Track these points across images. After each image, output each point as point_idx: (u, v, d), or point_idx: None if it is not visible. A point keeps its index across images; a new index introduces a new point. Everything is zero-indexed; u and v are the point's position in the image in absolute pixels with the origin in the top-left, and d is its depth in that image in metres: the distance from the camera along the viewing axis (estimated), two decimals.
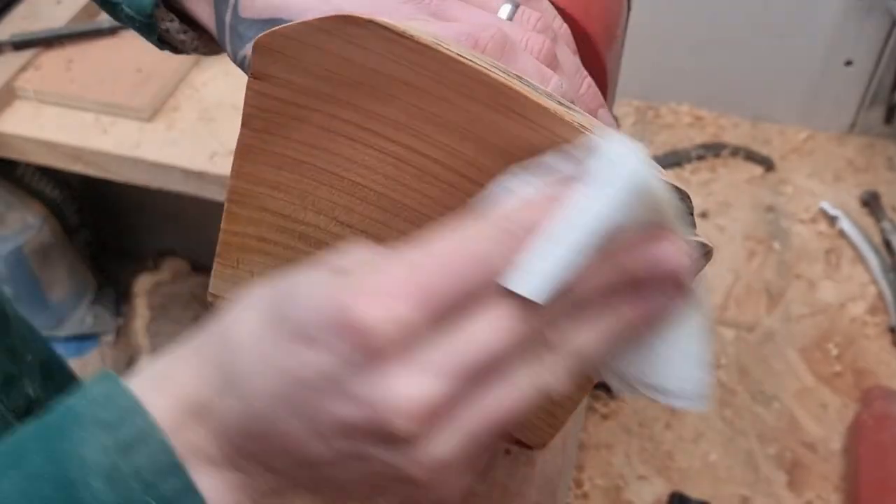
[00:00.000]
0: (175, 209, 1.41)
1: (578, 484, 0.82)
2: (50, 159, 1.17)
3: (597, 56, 0.53)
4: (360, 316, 0.30)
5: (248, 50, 0.45)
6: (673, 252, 0.36)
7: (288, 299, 0.33)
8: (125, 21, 0.54)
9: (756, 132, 1.18)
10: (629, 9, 0.62)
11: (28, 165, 1.32)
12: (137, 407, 0.34)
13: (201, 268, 1.58)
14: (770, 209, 1.08)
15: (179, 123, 1.16)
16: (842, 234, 1.04)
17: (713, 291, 0.99)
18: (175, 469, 0.34)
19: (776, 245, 1.04)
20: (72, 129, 1.16)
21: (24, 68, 1.21)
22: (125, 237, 1.61)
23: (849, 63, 1.13)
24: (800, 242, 1.04)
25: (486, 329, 0.32)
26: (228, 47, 0.47)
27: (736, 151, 1.14)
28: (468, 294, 0.32)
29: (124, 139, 1.14)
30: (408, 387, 0.31)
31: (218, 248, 0.47)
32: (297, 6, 0.44)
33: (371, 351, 0.30)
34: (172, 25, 0.53)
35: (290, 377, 0.32)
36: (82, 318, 1.45)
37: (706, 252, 0.39)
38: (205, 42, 0.54)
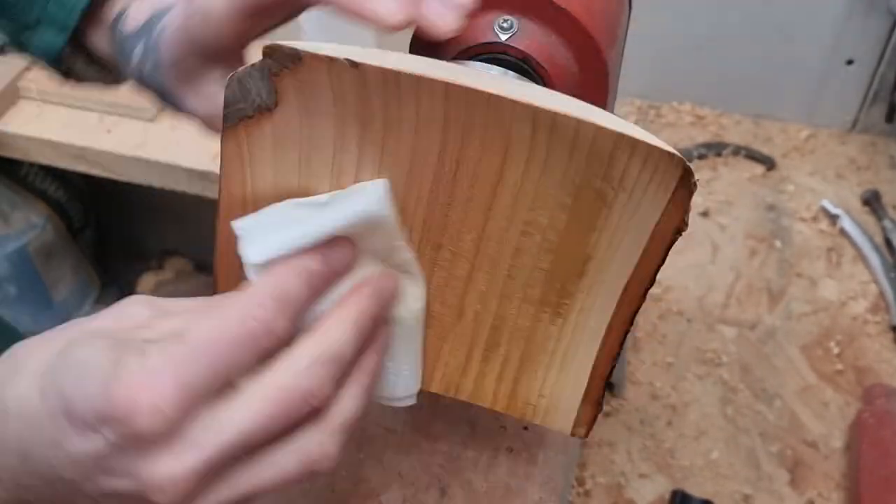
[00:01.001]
0: (179, 209, 1.41)
1: (580, 482, 0.82)
2: (54, 159, 1.18)
3: (598, 55, 0.54)
4: (124, 408, 0.34)
5: (134, 63, 0.50)
6: (382, 284, 0.42)
7: (67, 377, 0.36)
8: (35, 58, 0.57)
9: (758, 130, 1.18)
10: (630, 8, 0.62)
11: (32, 165, 1.32)
12: None
13: (205, 267, 1.59)
14: (771, 208, 1.08)
15: (183, 123, 1.16)
16: (843, 232, 1.04)
17: (714, 290, 0.99)
18: None
19: (777, 243, 1.04)
20: (76, 129, 1.16)
21: (27, 68, 1.22)
22: (129, 237, 1.61)
23: (850, 62, 1.13)
24: (801, 241, 1.04)
25: (242, 412, 0.36)
26: (124, 68, 0.52)
27: (737, 150, 1.15)
28: (224, 379, 0.36)
29: (128, 139, 1.15)
30: (165, 469, 0.35)
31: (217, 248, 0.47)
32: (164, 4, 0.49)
33: (134, 437, 0.34)
34: (78, 61, 0.56)
35: (63, 451, 0.36)
36: (86, 317, 1.45)
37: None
38: (104, 74, 0.58)
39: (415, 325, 0.46)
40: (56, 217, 1.39)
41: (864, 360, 0.92)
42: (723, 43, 1.15)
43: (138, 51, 0.49)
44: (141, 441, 0.34)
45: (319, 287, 0.40)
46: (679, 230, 0.39)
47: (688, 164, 0.37)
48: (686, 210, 0.39)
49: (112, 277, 1.55)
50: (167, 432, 0.35)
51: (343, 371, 0.39)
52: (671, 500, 0.81)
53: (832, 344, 0.94)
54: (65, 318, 1.41)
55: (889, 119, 1.13)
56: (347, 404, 0.39)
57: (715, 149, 1.15)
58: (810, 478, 0.83)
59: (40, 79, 1.20)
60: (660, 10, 1.13)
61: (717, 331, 0.95)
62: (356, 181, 0.43)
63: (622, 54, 0.62)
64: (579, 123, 0.37)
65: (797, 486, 0.83)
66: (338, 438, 0.39)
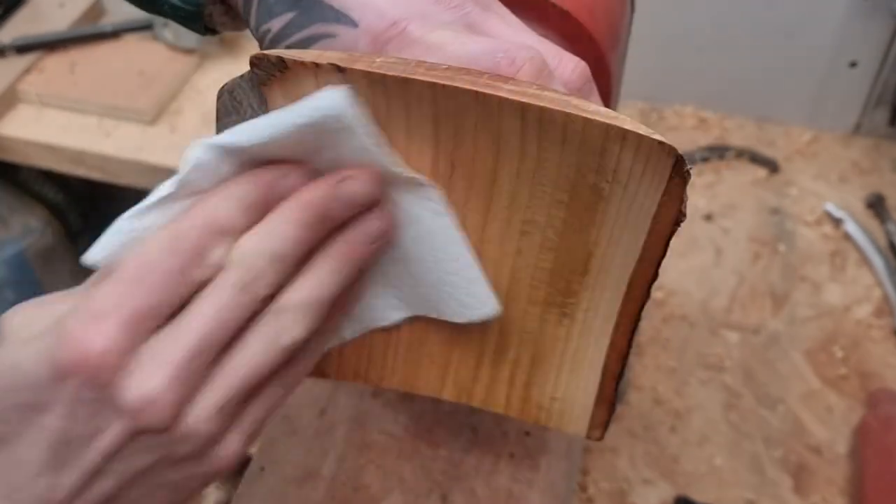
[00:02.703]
0: None
1: (583, 488, 0.82)
2: (53, 162, 1.18)
3: (601, 58, 0.53)
4: (71, 356, 0.34)
5: (272, 24, 0.45)
6: (354, 182, 0.39)
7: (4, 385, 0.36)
8: (167, 13, 0.54)
9: (761, 134, 1.18)
10: (633, 11, 0.62)
11: (31, 169, 1.32)
12: None
13: None
14: (775, 211, 1.07)
15: (182, 126, 1.16)
16: (847, 236, 1.04)
17: (718, 294, 0.99)
18: None
19: (781, 247, 1.03)
20: (74, 133, 1.16)
21: (27, 71, 1.22)
22: None
23: (853, 64, 1.13)
24: (805, 244, 1.04)
25: (202, 312, 0.36)
26: (253, 19, 0.46)
27: (741, 153, 1.14)
28: (165, 297, 0.36)
29: (127, 142, 1.15)
30: (141, 389, 0.35)
31: None
32: None
33: (95, 380, 0.34)
34: (215, 9, 0.53)
35: (41, 449, 0.36)
36: None
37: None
38: (240, 22, 0.53)
39: (451, 233, 0.43)
40: (55, 221, 1.39)
41: (869, 365, 0.92)
42: (726, 46, 1.15)
43: (287, 20, 0.45)
44: (105, 379, 0.34)
45: (255, 211, 0.38)
46: (678, 220, 0.39)
47: (679, 152, 0.36)
48: (682, 199, 0.38)
49: None
50: (128, 357, 0.35)
51: (292, 262, 0.38)
52: None
53: (836, 348, 0.93)
54: None
55: (892, 122, 1.13)
56: (304, 290, 0.38)
57: (718, 152, 1.14)
58: (814, 483, 0.83)
59: (39, 82, 1.19)
60: (662, 12, 1.12)
61: (720, 335, 0.95)
62: None
63: (625, 57, 0.62)
64: (567, 116, 0.36)
65: (801, 492, 0.82)
66: (302, 319, 0.38)
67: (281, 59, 0.38)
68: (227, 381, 0.37)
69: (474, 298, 0.44)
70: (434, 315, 0.46)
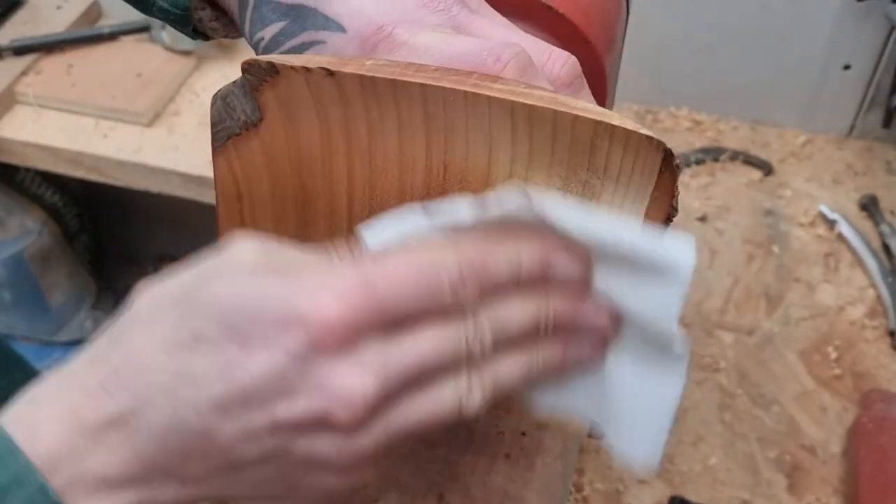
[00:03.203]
0: (175, 214, 1.41)
1: (579, 488, 0.82)
2: (50, 164, 1.18)
3: (596, 61, 0.54)
4: (311, 311, 0.33)
5: (265, 32, 0.46)
6: (596, 312, 0.39)
7: (207, 305, 0.34)
8: (157, 15, 0.54)
9: (755, 136, 1.18)
10: (628, 13, 0.62)
11: (28, 170, 1.32)
12: (10, 448, 0.33)
13: None
14: (769, 213, 1.08)
15: (180, 128, 1.16)
16: (841, 237, 1.04)
17: (712, 295, 0.99)
18: None
19: (775, 249, 1.04)
20: (72, 134, 1.16)
21: (24, 73, 1.22)
22: (125, 242, 1.61)
23: (847, 67, 1.13)
24: (799, 246, 1.04)
25: (424, 342, 0.35)
26: (247, 27, 0.47)
27: (735, 156, 1.15)
28: (412, 309, 0.35)
29: (124, 144, 1.15)
30: (352, 381, 0.33)
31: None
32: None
33: (319, 345, 0.33)
34: (205, 14, 0.53)
35: (230, 386, 0.33)
36: (82, 323, 1.45)
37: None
38: (233, 28, 0.54)
39: (673, 392, 0.42)
40: (52, 222, 1.39)
41: (862, 366, 0.92)
42: (720, 49, 1.15)
43: (278, 28, 0.47)
44: (325, 349, 0.33)
45: (521, 285, 0.38)
46: (669, 216, 0.39)
47: (668, 147, 0.37)
48: (673, 194, 0.38)
49: (108, 283, 1.54)
50: (353, 345, 0.34)
51: (510, 341, 0.38)
52: None
53: (830, 349, 0.94)
54: (61, 323, 1.41)
55: (886, 124, 1.14)
56: (503, 367, 0.38)
57: (712, 154, 1.15)
58: (808, 483, 0.83)
59: (37, 83, 1.20)
60: (657, 15, 1.13)
61: (715, 336, 0.95)
62: (348, 190, 0.43)
63: (620, 59, 0.62)
64: (556, 114, 0.37)
65: (795, 492, 0.83)
66: (487, 390, 0.38)
67: (272, 64, 0.39)
68: (413, 411, 0.36)
69: (645, 449, 0.43)
70: (607, 430, 0.44)
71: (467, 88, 0.37)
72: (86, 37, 1.26)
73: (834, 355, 0.93)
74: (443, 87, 0.37)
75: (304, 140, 0.42)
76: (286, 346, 0.33)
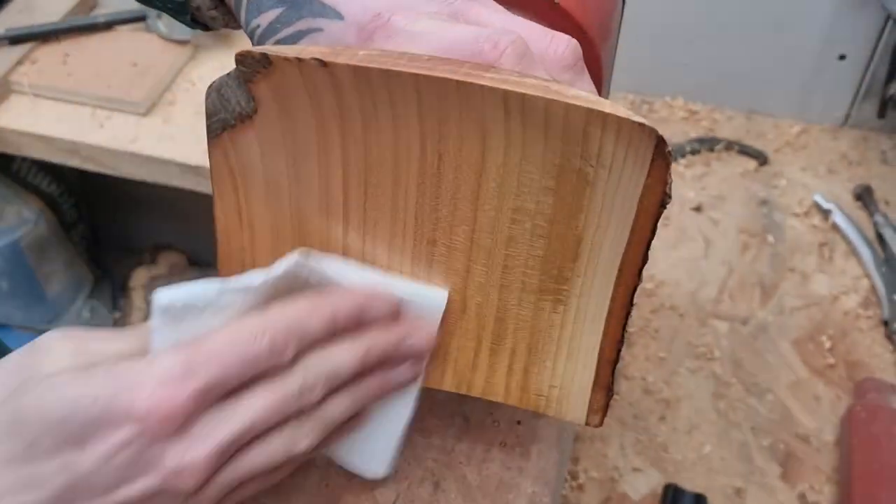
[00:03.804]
0: (172, 203, 1.41)
1: (574, 476, 0.83)
2: (46, 154, 1.18)
3: (592, 50, 0.54)
4: (138, 405, 0.36)
5: (261, 20, 0.45)
6: (418, 340, 0.45)
7: (36, 418, 0.36)
8: (156, 4, 0.54)
9: (750, 125, 1.19)
10: (624, 3, 0.62)
11: (24, 160, 1.32)
12: None
13: (198, 262, 1.58)
14: (764, 203, 1.08)
15: (176, 118, 1.16)
16: (835, 227, 1.05)
17: (707, 285, 0.99)
18: None
19: (770, 238, 1.04)
20: (68, 124, 1.16)
21: (20, 62, 1.21)
22: (122, 231, 1.61)
23: (842, 57, 1.13)
24: (793, 236, 1.04)
25: (253, 405, 0.39)
26: (243, 14, 0.47)
27: (730, 145, 1.15)
28: (234, 381, 0.39)
29: (121, 133, 1.15)
30: (184, 458, 0.38)
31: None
32: None
33: (150, 434, 0.37)
34: (203, 2, 0.53)
35: (72, 476, 0.37)
36: (79, 312, 1.45)
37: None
38: (232, 18, 0.53)
39: (407, 404, 0.48)
40: (49, 212, 1.39)
41: (856, 355, 0.93)
42: (715, 38, 1.15)
43: (274, 16, 0.46)
44: (157, 436, 0.37)
45: (339, 334, 0.43)
46: (663, 203, 0.39)
47: (660, 134, 0.37)
48: (666, 181, 0.38)
49: (105, 272, 1.54)
50: (180, 426, 0.37)
51: (341, 384, 0.43)
52: (664, 494, 0.81)
53: (824, 338, 0.94)
54: (57, 312, 1.41)
55: (881, 114, 1.14)
56: (334, 409, 0.43)
57: (707, 144, 1.15)
58: (802, 471, 0.84)
59: (32, 73, 1.19)
60: (653, 4, 1.13)
61: (709, 325, 0.96)
62: (343, 181, 0.43)
63: (616, 49, 0.62)
64: (548, 102, 0.37)
65: (789, 480, 0.83)
66: (319, 433, 0.43)
67: (265, 56, 0.39)
68: (245, 465, 0.40)
69: (377, 457, 0.50)
70: (336, 460, 0.50)
71: (459, 78, 0.37)
72: (81, 26, 1.26)
73: (828, 345, 0.94)
74: (435, 77, 0.38)
75: (299, 130, 0.42)
76: (120, 440, 0.37)
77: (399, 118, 0.40)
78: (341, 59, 0.38)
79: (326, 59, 0.38)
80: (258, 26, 0.46)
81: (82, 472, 0.37)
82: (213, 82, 0.41)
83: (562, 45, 0.42)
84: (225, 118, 0.42)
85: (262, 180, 0.44)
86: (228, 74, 0.41)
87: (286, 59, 0.39)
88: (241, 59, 0.40)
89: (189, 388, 0.37)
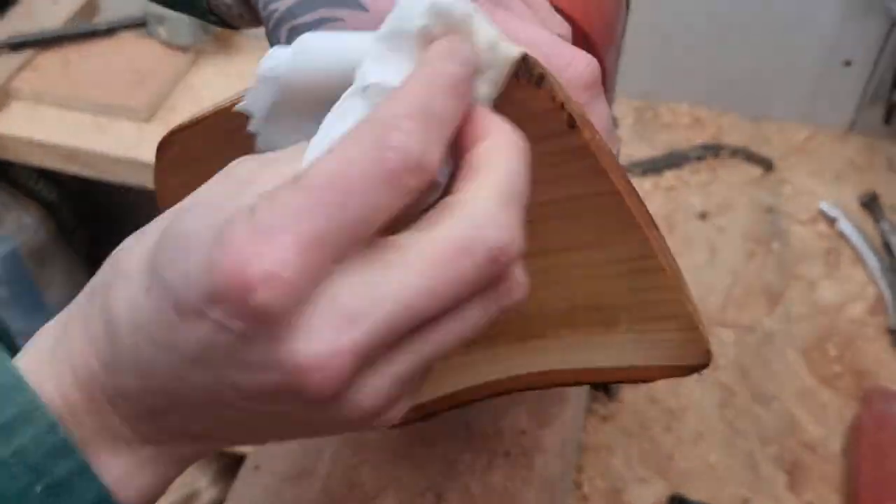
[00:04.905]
0: None
1: (578, 486, 0.82)
2: (47, 160, 1.17)
3: (596, 56, 0.53)
4: (233, 282, 0.26)
5: (281, 3, 0.42)
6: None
7: (167, 262, 0.29)
8: (166, 2, 0.52)
9: (756, 132, 1.18)
10: (628, 9, 0.62)
11: (25, 166, 1.32)
12: (20, 383, 0.30)
13: None
14: (769, 210, 1.07)
15: (177, 124, 1.16)
16: (841, 234, 1.04)
17: (712, 292, 0.99)
18: (65, 450, 0.30)
19: (776, 246, 1.03)
20: (69, 130, 1.15)
21: (21, 69, 1.21)
22: (122, 238, 1.61)
23: (848, 63, 1.13)
24: (799, 243, 1.04)
25: (408, 277, 0.28)
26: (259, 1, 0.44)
27: (735, 152, 1.14)
28: (362, 232, 0.28)
29: (121, 140, 1.14)
30: (311, 347, 0.27)
31: None
32: None
33: (255, 317, 0.26)
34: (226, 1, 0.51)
35: (180, 354, 0.28)
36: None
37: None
38: (247, 9, 0.51)
39: None
40: (49, 218, 1.39)
41: (863, 363, 0.92)
42: (721, 44, 1.15)
43: (290, 2, 0.43)
44: (266, 320, 0.26)
45: (467, 99, 0.31)
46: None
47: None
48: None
49: None
50: (297, 304, 0.27)
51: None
52: None
53: (830, 346, 0.93)
54: None
55: (887, 120, 1.13)
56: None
57: (712, 150, 1.14)
58: (808, 481, 0.83)
59: (33, 79, 1.19)
60: (658, 10, 1.13)
61: (715, 333, 0.95)
62: None
63: (620, 55, 0.62)
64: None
65: (795, 489, 0.82)
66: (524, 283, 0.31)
67: (542, 77, 0.35)
68: (419, 354, 0.29)
69: None
70: None
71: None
72: (82, 32, 1.26)
73: (834, 353, 0.93)
74: None
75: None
76: (220, 322, 0.27)
77: None
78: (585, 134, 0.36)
79: (578, 123, 0.36)
80: (275, 10, 0.43)
81: (186, 358, 0.29)
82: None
83: (581, 64, 0.40)
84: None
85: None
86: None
87: (554, 99, 0.36)
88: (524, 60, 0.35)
89: (296, 236, 0.26)
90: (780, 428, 0.87)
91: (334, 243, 0.27)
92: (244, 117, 0.35)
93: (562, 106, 0.36)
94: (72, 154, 1.15)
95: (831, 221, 1.05)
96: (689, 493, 0.81)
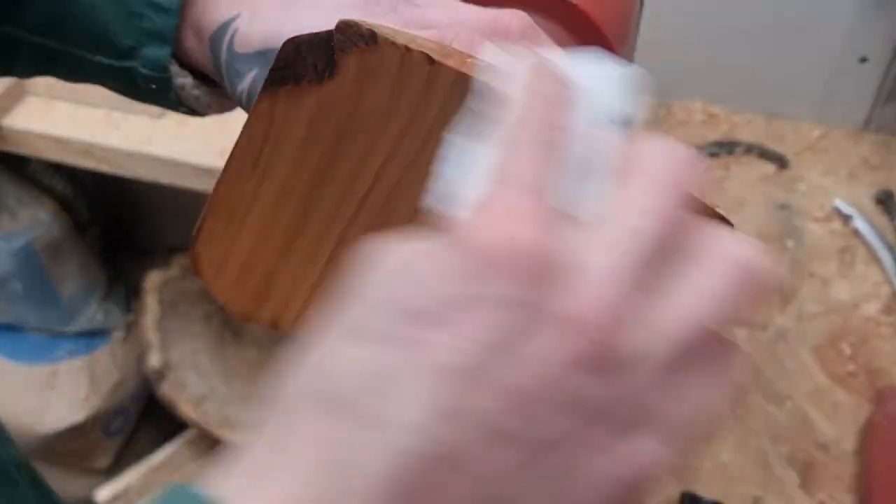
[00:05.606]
0: (186, 206, 1.40)
1: None
2: (61, 155, 1.18)
3: (609, 52, 0.53)
4: (497, 244, 0.24)
5: (243, 85, 0.45)
6: None
7: (393, 296, 0.25)
8: (141, 87, 0.53)
9: (770, 129, 1.17)
10: (641, 5, 0.61)
11: (39, 161, 1.32)
12: None
13: None
14: (783, 207, 1.07)
15: (190, 120, 1.15)
16: (856, 232, 1.03)
17: None
18: None
19: (790, 243, 1.03)
20: (83, 125, 1.16)
21: None
22: (136, 233, 1.61)
23: (863, 60, 1.12)
24: (813, 241, 1.03)
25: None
26: (227, 85, 0.47)
27: (749, 149, 1.14)
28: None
29: (135, 135, 1.15)
30: (590, 291, 0.24)
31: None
32: (287, 32, 0.42)
33: (530, 277, 0.24)
34: (186, 81, 0.52)
35: (439, 378, 0.24)
36: (93, 314, 1.45)
37: None
38: (216, 97, 0.53)
39: None
40: (63, 213, 1.39)
41: (877, 362, 0.91)
42: (735, 41, 1.14)
43: (253, 75, 0.46)
44: (541, 277, 0.24)
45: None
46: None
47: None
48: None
49: (119, 274, 1.54)
50: (561, 255, 0.25)
51: None
52: (681, 502, 0.80)
53: (844, 345, 0.93)
54: (71, 314, 1.41)
55: None
56: None
57: (727, 147, 1.14)
58: (821, 480, 0.83)
59: None
60: (671, 7, 1.12)
61: (727, 332, 0.94)
62: (375, 176, 0.41)
63: (633, 51, 0.61)
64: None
65: (808, 489, 0.82)
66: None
67: (373, 34, 0.36)
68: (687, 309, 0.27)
69: None
70: None
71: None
72: None
73: (848, 351, 0.92)
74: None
75: (362, 115, 0.39)
76: (492, 302, 0.24)
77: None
78: (450, 63, 0.35)
79: (436, 57, 0.35)
80: (243, 91, 0.46)
81: (452, 356, 0.25)
82: (299, 37, 0.39)
83: (505, 17, 0.42)
84: (294, 73, 0.39)
85: (296, 144, 0.41)
86: (318, 35, 0.38)
87: (394, 44, 0.36)
88: (344, 28, 0.37)
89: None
90: (792, 427, 0.86)
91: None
92: None
93: (406, 48, 0.36)
94: (86, 149, 1.15)
95: (846, 219, 1.05)
96: (701, 491, 0.81)
